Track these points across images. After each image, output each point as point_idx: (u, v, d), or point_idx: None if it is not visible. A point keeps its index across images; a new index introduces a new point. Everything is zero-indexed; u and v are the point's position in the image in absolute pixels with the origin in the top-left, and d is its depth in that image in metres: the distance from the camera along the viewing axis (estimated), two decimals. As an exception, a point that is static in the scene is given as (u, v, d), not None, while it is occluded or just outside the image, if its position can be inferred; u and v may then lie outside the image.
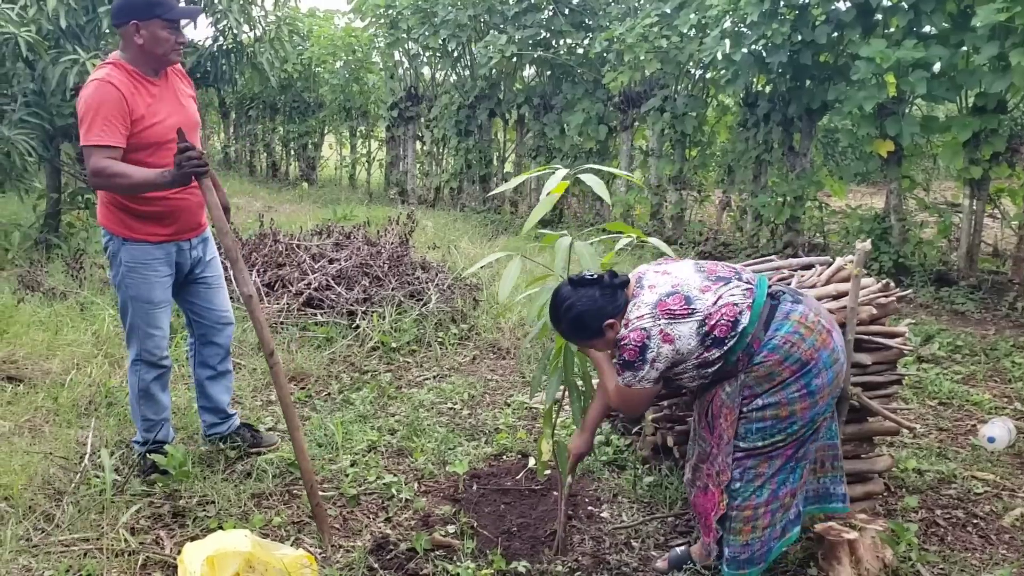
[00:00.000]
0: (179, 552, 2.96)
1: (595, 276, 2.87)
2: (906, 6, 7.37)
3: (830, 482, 3.11)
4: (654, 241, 3.17)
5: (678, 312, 2.73)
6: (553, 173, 2.98)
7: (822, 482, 3.11)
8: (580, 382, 3.24)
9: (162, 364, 3.82)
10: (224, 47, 9.64)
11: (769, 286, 2.88)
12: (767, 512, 2.86)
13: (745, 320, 2.73)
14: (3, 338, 5.39)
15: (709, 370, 2.80)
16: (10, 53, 7.35)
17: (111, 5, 3.60)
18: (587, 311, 2.82)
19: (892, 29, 7.77)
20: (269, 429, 4.45)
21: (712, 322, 2.72)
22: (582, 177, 2.95)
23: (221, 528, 3.34)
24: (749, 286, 2.82)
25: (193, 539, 3.23)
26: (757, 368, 2.75)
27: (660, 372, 2.79)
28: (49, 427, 4.22)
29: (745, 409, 2.79)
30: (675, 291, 2.77)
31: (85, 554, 3.15)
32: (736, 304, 2.75)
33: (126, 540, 3.23)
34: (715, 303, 2.75)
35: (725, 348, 2.74)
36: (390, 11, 13.33)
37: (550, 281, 3.15)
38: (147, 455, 3.83)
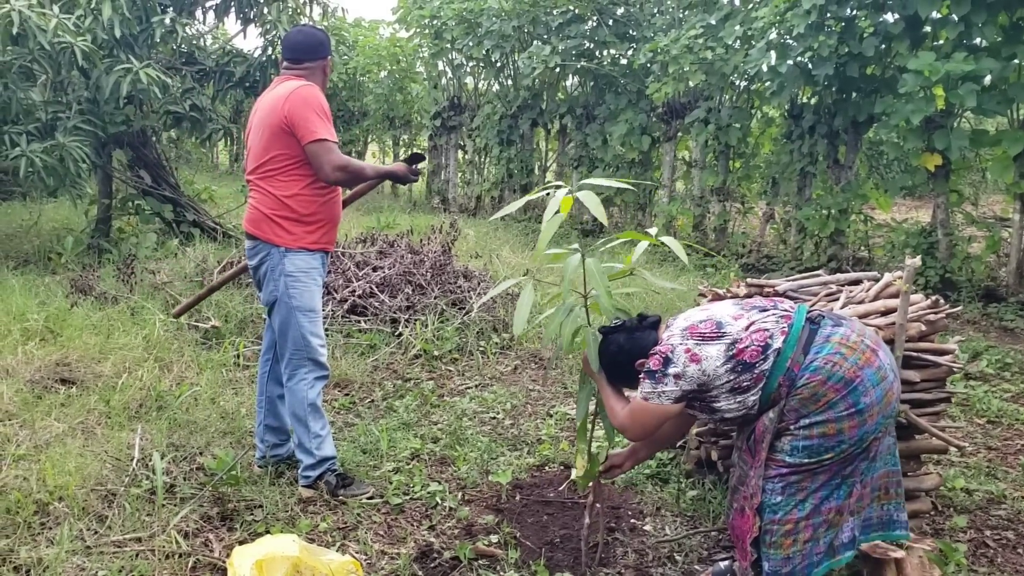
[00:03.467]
0: (228, 555, 3.01)
1: (620, 323, 2.96)
2: (956, 18, 7.28)
3: (894, 509, 3.04)
4: (668, 240, 3.04)
5: (707, 334, 2.77)
6: (553, 192, 2.90)
7: (886, 509, 3.04)
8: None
9: (327, 370, 3.90)
10: (273, 57, 9.79)
11: (809, 311, 2.87)
12: (808, 526, 2.83)
13: (777, 343, 2.73)
14: (57, 341, 5.52)
15: (748, 398, 2.79)
16: (66, 62, 7.54)
17: (298, 41, 3.88)
18: (617, 358, 2.93)
19: (941, 42, 7.68)
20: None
21: (741, 346, 2.74)
22: (579, 196, 2.84)
23: (269, 532, 3.39)
24: (785, 313, 2.83)
25: (242, 543, 3.28)
26: (801, 391, 2.72)
27: (683, 392, 2.80)
28: (101, 429, 4.31)
29: (793, 427, 2.77)
30: (707, 318, 2.82)
31: (137, 555, 3.22)
32: (767, 329, 2.76)
33: (177, 542, 3.29)
34: (746, 328, 2.77)
35: (756, 372, 2.73)
36: (435, 22, 13.47)
37: (565, 300, 3.05)
38: (333, 471, 3.85)
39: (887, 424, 2.85)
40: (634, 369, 2.89)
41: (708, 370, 2.75)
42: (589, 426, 3.30)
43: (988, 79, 7.38)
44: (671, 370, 2.77)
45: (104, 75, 7.82)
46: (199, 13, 9.99)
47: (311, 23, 10.20)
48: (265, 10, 9.60)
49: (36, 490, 3.57)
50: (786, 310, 2.86)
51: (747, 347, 2.74)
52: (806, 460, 2.77)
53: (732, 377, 2.76)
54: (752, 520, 2.88)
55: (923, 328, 3.44)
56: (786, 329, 2.76)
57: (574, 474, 4.02)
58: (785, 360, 2.73)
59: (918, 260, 3.35)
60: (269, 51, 9.79)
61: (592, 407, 3.25)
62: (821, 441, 2.75)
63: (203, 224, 9.54)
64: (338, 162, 3.65)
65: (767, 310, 2.85)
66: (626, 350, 2.91)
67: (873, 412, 2.74)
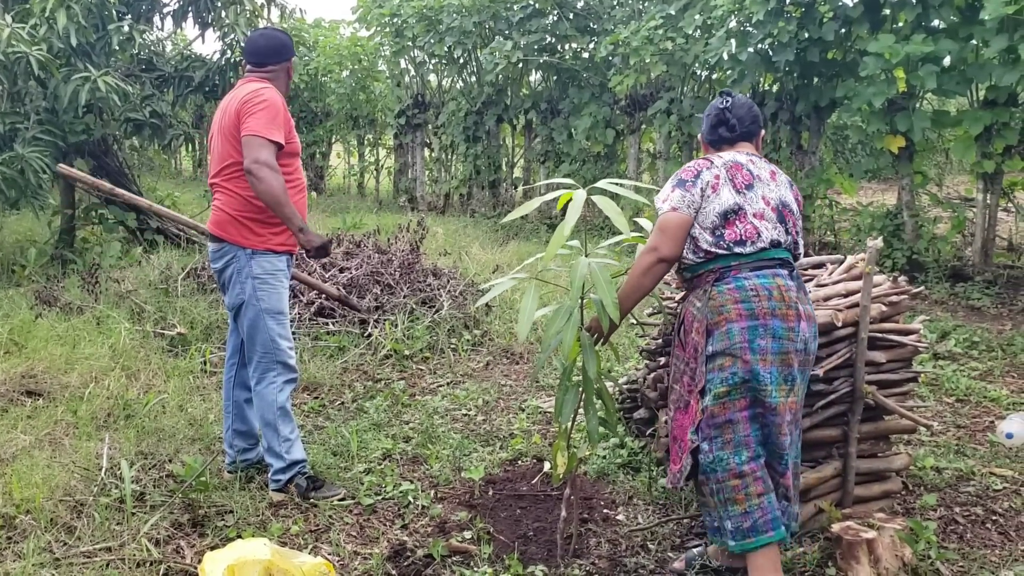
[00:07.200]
0: (200, 561, 2.98)
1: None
2: (914, 1, 7.35)
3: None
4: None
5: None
6: (572, 192, 2.91)
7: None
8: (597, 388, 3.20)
9: (296, 373, 3.87)
10: (232, 60, 9.70)
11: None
12: (755, 479, 2.86)
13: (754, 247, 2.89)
14: (22, 353, 5.44)
15: (695, 254, 2.94)
16: (22, 72, 7.43)
17: (261, 45, 3.81)
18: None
19: (900, 24, 7.76)
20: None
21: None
22: (600, 205, 2.87)
23: (240, 537, 3.35)
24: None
25: (213, 548, 3.25)
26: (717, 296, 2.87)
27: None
28: (69, 440, 4.25)
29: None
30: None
31: (108, 564, 3.17)
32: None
33: (148, 550, 3.25)
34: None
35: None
36: (395, 20, 13.39)
37: (566, 300, 3.06)
38: (303, 474, 3.80)
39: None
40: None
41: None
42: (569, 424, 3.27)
43: (947, 60, 7.46)
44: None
45: (62, 84, 7.71)
46: (157, 19, 9.88)
47: (269, 25, 10.11)
48: (223, 14, 9.51)
49: (2, 504, 3.51)
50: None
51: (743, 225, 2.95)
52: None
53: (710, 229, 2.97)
54: (696, 407, 2.93)
55: (884, 309, 3.46)
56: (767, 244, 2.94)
57: (547, 466, 4.03)
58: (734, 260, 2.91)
59: (880, 242, 3.38)
60: (228, 54, 9.71)
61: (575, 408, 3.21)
62: (718, 373, 2.88)
63: (167, 231, 9.43)
64: (262, 157, 3.49)
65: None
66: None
67: (768, 359, 2.83)
